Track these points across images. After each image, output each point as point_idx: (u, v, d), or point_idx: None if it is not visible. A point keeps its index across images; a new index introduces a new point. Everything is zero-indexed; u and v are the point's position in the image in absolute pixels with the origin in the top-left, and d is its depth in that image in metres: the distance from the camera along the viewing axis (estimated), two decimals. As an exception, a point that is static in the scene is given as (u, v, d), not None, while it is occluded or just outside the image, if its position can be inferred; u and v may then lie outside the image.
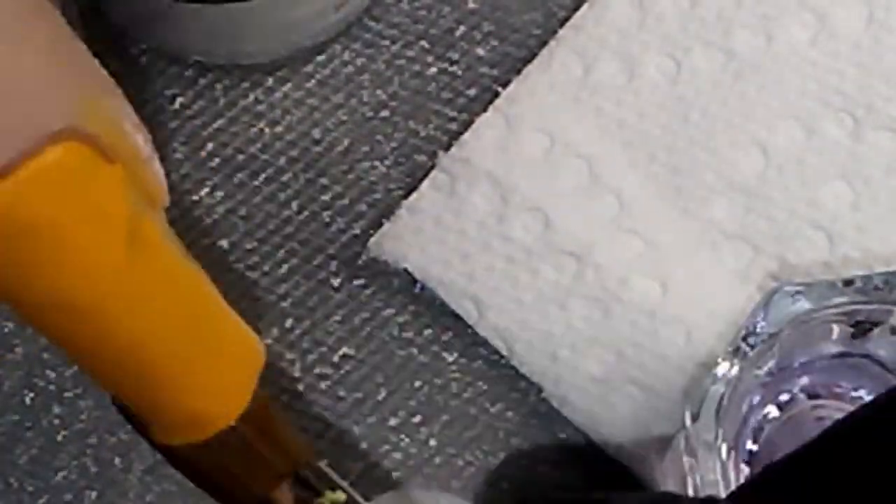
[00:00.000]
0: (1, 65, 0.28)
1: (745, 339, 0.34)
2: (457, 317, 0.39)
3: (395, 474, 0.39)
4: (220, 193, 0.40)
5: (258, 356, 0.33)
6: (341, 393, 0.39)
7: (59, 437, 0.39)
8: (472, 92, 0.40)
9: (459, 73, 0.41)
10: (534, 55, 0.40)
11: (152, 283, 0.30)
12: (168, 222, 0.40)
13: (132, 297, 0.30)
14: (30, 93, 0.28)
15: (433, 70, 0.41)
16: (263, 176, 0.40)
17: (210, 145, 0.40)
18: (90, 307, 0.29)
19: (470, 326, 0.39)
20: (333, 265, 0.40)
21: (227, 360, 0.32)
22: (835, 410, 0.37)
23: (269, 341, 0.39)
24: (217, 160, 0.40)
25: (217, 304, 0.32)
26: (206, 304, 0.32)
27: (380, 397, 0.39)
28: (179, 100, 0.40)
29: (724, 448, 0.34)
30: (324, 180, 0.40)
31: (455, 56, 0.41)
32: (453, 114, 0.40)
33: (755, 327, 0.34)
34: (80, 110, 0.29)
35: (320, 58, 0.41)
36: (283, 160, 0.40)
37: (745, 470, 0.36)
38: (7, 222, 0.28)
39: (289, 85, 0.40)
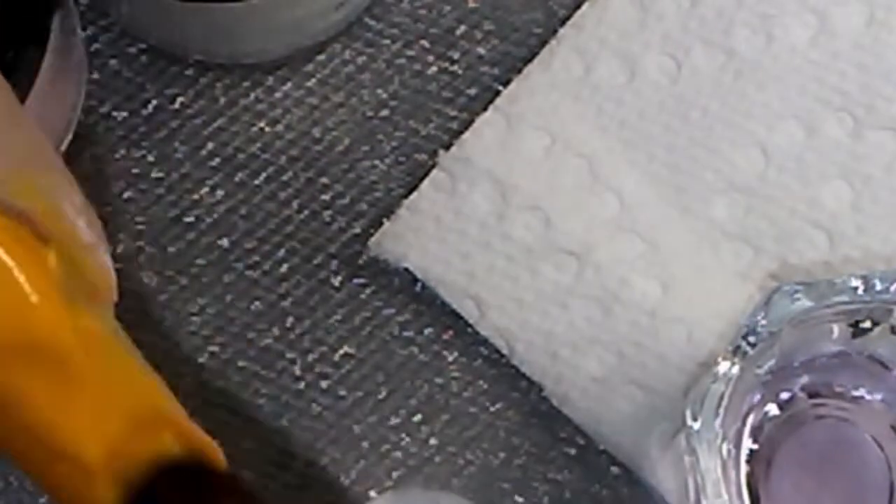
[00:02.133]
0: None
1: (745, 338, 0.34)
2: (457, 316, 0.39)
3: (395, 474, 0.39)
4: (220, 192, 0.40)
5: None
6: (342, 392, 0.39)
7: (60, 437, 0.39)
8: (472, 91, 0.40)
9: (460, 72, 0.41)
10: (534, 54, 0.40)
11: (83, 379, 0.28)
12: (168, 221, 0.40)
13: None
14: None
15: (434, 69, 0.41)
16: (264, 175, 0.40)
17: (210, 144, 0.40)
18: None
19: (470, 325, 0.39)
20: (334, 264, 0.40)
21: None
22: (835, 409, 0.37)
23: (269, 341, 0.39)
24: (217, 159, 0.40)
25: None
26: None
27: (380, 396, 0.39)
28: (179, 99, 0.40)
29: (724, 447, 0.34)
30: (324, 179, 0.40)
31: (456, 55, 0.41)
32: (454, 113, 0.40)
33: (755, 327, 0.34)
34: (10, 184, 0.27)
35: (321, 57, 0.41)
36: (283, 159, 0.40)
37: (746, 469, 0.37)
38: None
39: (289, 84, 0.40)
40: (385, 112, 0.40)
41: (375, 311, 0.40)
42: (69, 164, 0.39)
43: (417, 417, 0.39)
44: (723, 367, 0.34)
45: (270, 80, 0.40)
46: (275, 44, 0.39)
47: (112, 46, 0.41)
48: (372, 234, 0.39)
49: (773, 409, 0.37)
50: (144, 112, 0.40)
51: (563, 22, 0.40)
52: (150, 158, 0.40)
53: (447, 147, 0.40)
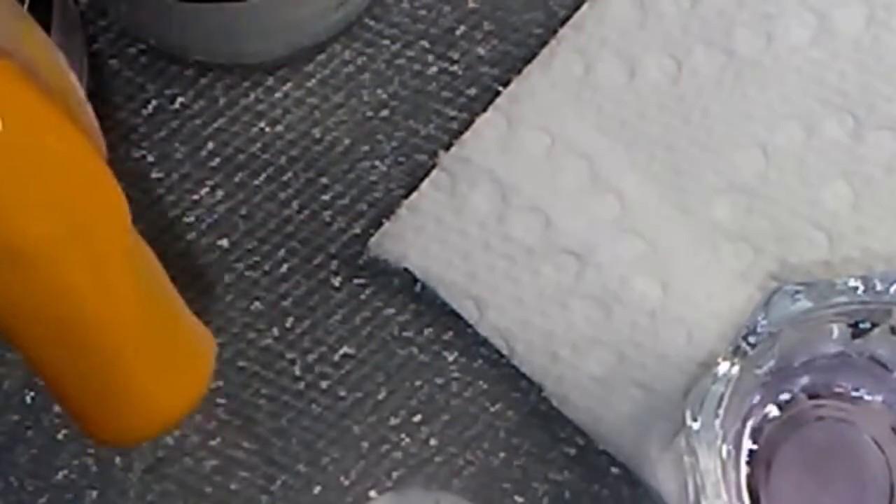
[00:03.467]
0: None
1: (745, 338, 0.34)
2: (457, 316, 0.39)
3: (395, 474, 0.39)
4: (220, 193, 0.40)
5: (211, 349, 0.31)
6: (342, 392, 0.39)
7: (60, 437, 0.39)
8: (472, 91, 0.40)
9: (460, 72, 0.41)
10: (534, 54, 0.40)
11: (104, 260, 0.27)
12: (168, 221, 0.40)
13: (86, 254, 0.27)
14: None
15: (434, 69, 0.41)
16: (264, 175, 0.40)
17: (210, 145, 0.40)
18: (36, 258, 0.26)
19: (470, 326, 0.39)
20: (334, 264, 0.40)
21: (183, 353, 0.30)
22: (835, 410, 0.37)
23: (269, 341, 0.39)
24: (217, 159, 0.40)
25: (170, 292, 0.30)
26: (159, 285, 0.30)
27: (380, 396, 0.39)
28: (179, 99, 0.40)
29: (724, 448, 0.34)
30: (324, 180, 0.40)
31: (456, 55, 0.41)
32: (454, 113, 0.40)
33: (755, 327, 0.34)
34: (13, 32, 0.26)
35: (321, 57, 0.41)
36: (283, 159, 0.40)
37: (746, 470, 0.37)
38: None
39: (289, 84, 0.40)
40: (385, 112, 0.40)
41: (375, 311, 0.40)
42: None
43: (417, 417, 0.39)
44: (723, 367, 0.34)
45: (270, 80, 0.40)
46: (275, 44, 0.39)
47: (112, 46, 0.41)
48: (372, 234, 0.39)
49: (772, 409, 0.37)
50: (144, 112, 0.40)
51: (563, 22, 0.40)
52: (150, 158, 0.40)
53: (447, 147, 0.40)
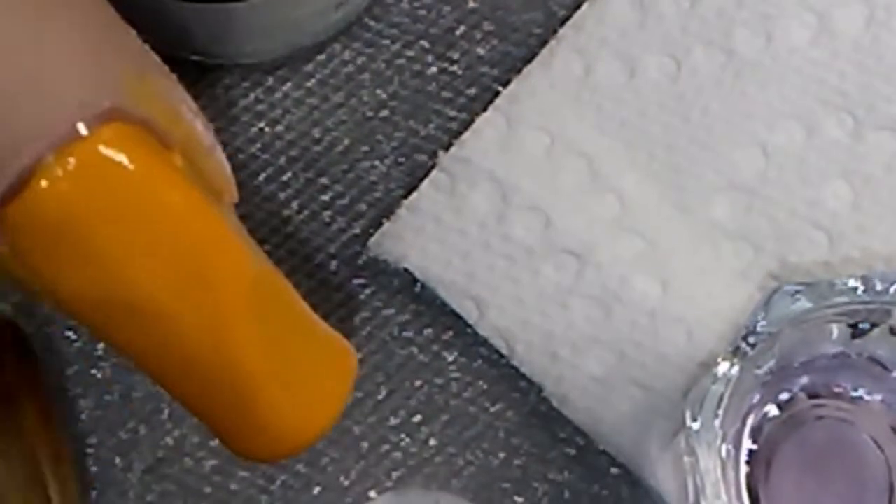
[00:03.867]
0: (15, 42, 0.24)
1: (745, 338, 0.34)
2: (457, 316, 0.39)
3: (394, 474, 0.39)
4: (220, 193, 0.40)
5: (351, 363, 0.31)
6: (342, 392, 0.39)
7: (60, 437, 0.39)
8: (472, 91, 0.40)
9: (460, 72, 0.41)
10: (534, 54, 0.40)
11: (229, 286, 0.28)
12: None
13: (205, 303, 0.27)
14: (58, 72, 0.25)
15: (433, 69, 0.41)
16: (264, 175, 0.40)
17: (210, 145, 0.40)
18: (155, 311, 0.27)
19: (470, 326, 0.39)
20: (333, 264, 0.40)
21: (320, 370, 0.30)
22: (835, 410, 0.37)
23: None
24: (217, 159, 0.40)
25: (302, 316, 0.30)
26: (290, 309, 0.30)
27: (380, 396, 0.39)
28: (180, 99, 0.40)
29: (724, 448, 0.34)
30: (324, 179, 0.40)
31: (455, 55, 0.41)
32: (453, 113, 0.40)
33: (755, 327, 0.34)
34: (125, 89, 0.26)
35: (320, 57, 0.41)
36: (283, 159, 0.40)
37: (745, 469, 0.37)
38: (45, 218, 0.25)
39: (289, 84, 0.41)
40: (385, 112, 0.40)
41: (375, 311, 0.40)
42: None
43: (417, 417, 0.39)
44: (722, 367, 0.34)
45: (270, 80, 0.41)
46: (275, 44, 0.39)
47: (112, 46, 0.41)
48: (372, 234, 0.39)
49: (772, 409, 0.37)
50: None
51: (563, 22, 0.40)
52: (150, 158, 0.40)
53: (447, 147, 0.40)
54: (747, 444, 0.37)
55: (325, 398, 0.31)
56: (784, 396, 0.37)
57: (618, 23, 0.40)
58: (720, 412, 0.34)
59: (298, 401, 0.30)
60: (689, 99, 0.39)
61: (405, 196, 0.39)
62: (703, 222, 0.39)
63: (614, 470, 0.38)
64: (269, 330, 0.29)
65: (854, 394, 0.37)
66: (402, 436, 0.39)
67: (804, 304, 0.35)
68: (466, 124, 0.40)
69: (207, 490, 0.39)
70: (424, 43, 0.41)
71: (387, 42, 0.41)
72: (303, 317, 0.31)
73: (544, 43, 0.40)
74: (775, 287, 0.35)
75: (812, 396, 0.37)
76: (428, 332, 0.39)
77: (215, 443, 0.39)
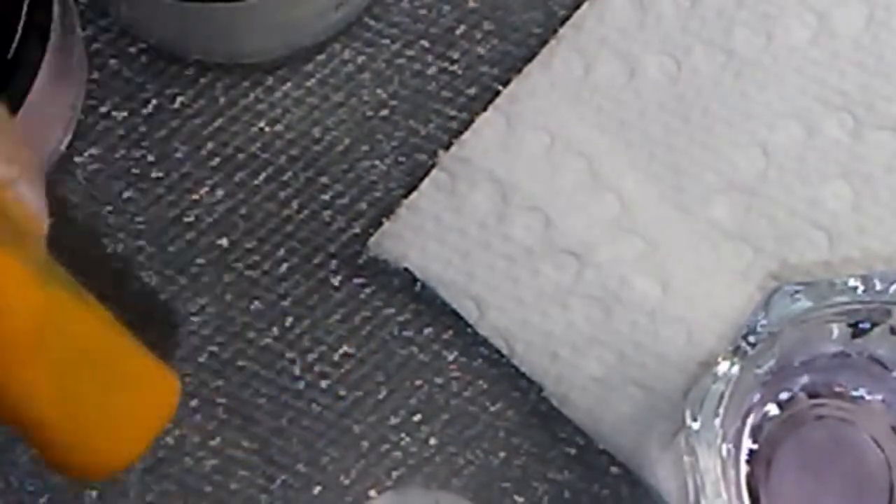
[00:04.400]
0: None
1: (745, 338, 0.34)
2: (457, 316, 0.39)
3: (395, 473, 0.39)
4: (220, 192, 0.40)
5: (171, 395, 0.30)
6: (341, 392, 0.39)
7: (60, 437, 0.39)
8: (472, 91, 0.40)
9: (460, 72, 0.41)
10: (534, 54, 0.40)
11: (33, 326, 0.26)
12: (168, 221, 0.40)
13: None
14: None
15: (433, 69, 0.41)
16: (264, 175, 0.40)
17: (210, 144, 0.40)
18: None
19: (470, 325, 0.39)
20: (333, 264, 0.40)
21: (129, 405, 0.29)
22: (835, 409, 0.37)
23: (268, 341, 0.39)
24: (217, 159, 0.40)
25: (113, 344, 0.29)
26: (94, 347, 0.28)
27: (380, 396, 0.39)
28: (179, 99, 0.40)
29: (724, 447, 0.34)
30: (324, 179, 0.40)
31: (455, 55, 0.41)
32: (454, 113, 0.40)
33: (755, 327, 0.34)
34: None
35: (320, 57, 0.41)
36: (283, 159, 0.40)
37: (746, 469, 0.37)
38: None
39: (289, 84, 0.40)
40: (385, 112, 0.40)
41: (375, 311, 0.40)
42: (69, 163, 0.40)
43: (417, 417, 0.39)
44: (723, 367, 0.34)
45: (270, 80, 0.40)
46: (275, 44, 0.39)
47: (112, 46, 0.41)
48: (372, 234, 0.39)
49: (772, 409, 0.37)
50: (144, 112, 0.40)
51: (563, 22, 0.40)
52: (150, 158, 0.40)
53: (447, 147, 0.40)
54: (747, 443, 0.37)
55: (133, 434, 0.29)
56: (784, 396, 0.37)
57: (618, 22, 0.40)
58: (720, 412, 0.34)
59: (95, 444, 0.29)
60: (688, 99, 0.39)
61: (405, 196, 0.39)
62: (702, 222, 0.39)
63: (614, 470, 0.38)
64: (60, 372, 0.28)
65: (854, 393, 0.37)
66: (402, 435, 0.39)
67: (804, 303, 0.35)
68: (466, 124, 0.40)
69: (207, 490, 0.39)
70: (424, 42, 0.41)
71: (387, 42, 0.41)
72: (112, 352, 0.29)
73: (544, 43, 0.40)
74: (775, 287, 0.35)
75: (812, 396, 0.37)
76: (428, 331, 0.39)
77: (215, 443, 0.39)
